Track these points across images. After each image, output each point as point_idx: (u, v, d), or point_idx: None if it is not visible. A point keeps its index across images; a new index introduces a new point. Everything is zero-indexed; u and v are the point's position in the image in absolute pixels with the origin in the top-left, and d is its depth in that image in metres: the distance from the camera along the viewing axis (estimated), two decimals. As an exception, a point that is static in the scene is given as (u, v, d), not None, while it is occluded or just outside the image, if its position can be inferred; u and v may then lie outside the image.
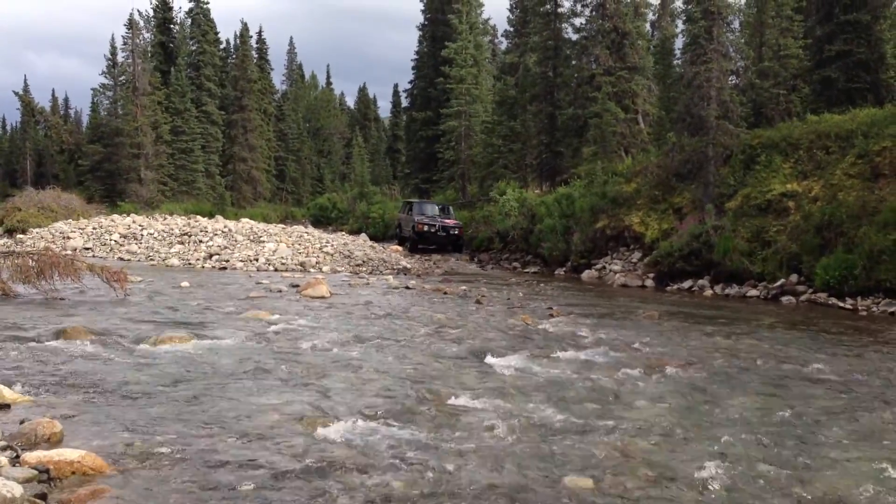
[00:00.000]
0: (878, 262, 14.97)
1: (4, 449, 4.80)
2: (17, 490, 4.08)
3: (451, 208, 31.57)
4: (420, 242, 28.73)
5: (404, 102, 59.41)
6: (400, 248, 29.25)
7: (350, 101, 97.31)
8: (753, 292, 17.12)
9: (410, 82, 51.73)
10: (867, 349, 10.37)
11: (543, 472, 5.12)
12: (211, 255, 22.13)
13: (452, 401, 6.84)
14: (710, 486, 4.95)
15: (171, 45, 58.99)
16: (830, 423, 6.51)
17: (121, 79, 52.42)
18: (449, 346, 9.62)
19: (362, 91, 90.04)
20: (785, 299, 16.24)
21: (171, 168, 52.57)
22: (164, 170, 51.87)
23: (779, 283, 16.71)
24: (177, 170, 52.92)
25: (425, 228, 28.60)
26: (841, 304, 15.08)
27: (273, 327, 10.52)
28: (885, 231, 15.22)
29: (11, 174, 72.36)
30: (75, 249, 22.40)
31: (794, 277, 16.61)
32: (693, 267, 18.71)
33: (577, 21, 32.28)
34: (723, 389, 7.66)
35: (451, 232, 28.77)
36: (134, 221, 27.65)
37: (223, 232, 24.99)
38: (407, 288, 17.06)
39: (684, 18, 26.30)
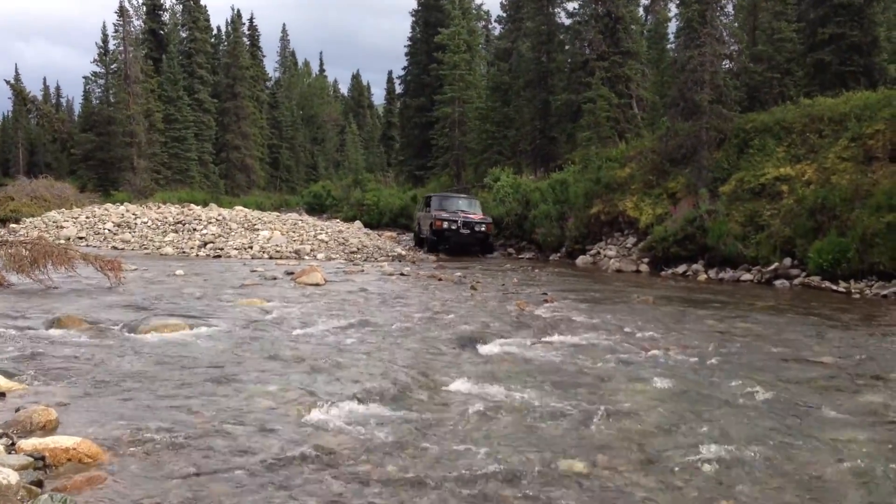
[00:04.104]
0: (872, 245, 15.02)
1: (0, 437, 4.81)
2: (13, 477, 4.09)
3: (477, 201, 26.79)
4: (439, 243, 24.43)
5: (398, 89, 59.26)
6: (393, 235, 29.16)
7: (344, 89, 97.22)
8: (747, 276, 17.18)
9: (404, 69, 51.61)
10: (860, 331, 10.43)
11: (537, 455, 5.14)
12: (205, 244, 22.11)
13: (446, 386, 6.86)
14: (703, 468, 4.99)
15: (162, 32, 58.69)
16: (824, 405, 6.55)
17: (112, 67, 52.22)
18: (443, 331, 9.63)
19: (356, 78, 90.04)
20: (779, 283, 16.30)
21: (165, 156, 52.49)
22: (158, 158, 51.77)
23: (772, 267, 16.77)
24: (170, 158, 52.84)
25: (445, 226, 23.93)
26: (834, 288, 15.14)
27: (268, 314, 10.52)
28: (879, 214, 15.26)
29: (3, 163, 72.12)
30: (68, 238, 22.37)
31: (787, 261, 16.68)
32: (687, 251, 18.77)
33: (571, 6, 32.46)
34: (717, 372, 7.70)
35: (477, 230, 24.06)
36: (127, 210, 27.58)
37: (217, 220, 24.95)
38: (402, 275, 17.07)
39: (678, 2, 26.33)
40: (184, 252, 21.34)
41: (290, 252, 21.29)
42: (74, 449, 4.69)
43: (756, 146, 19.42)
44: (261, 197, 54.02)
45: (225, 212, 27.05)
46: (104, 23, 57.89)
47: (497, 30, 48.48)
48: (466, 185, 35.68)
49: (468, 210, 25.13)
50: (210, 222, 24.64)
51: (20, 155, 69.13)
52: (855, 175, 16.68)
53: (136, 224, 25.11)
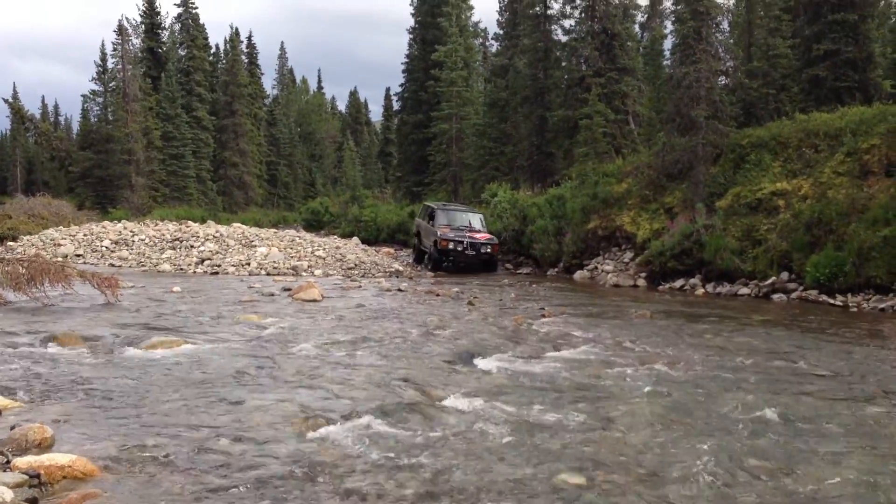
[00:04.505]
0: (868, 259, 15.06)
1: (-5, 454, 4.79)
2: (8, 495, 4.07)
3: (480, 216, 25.63)
4: (443, 261, 23.37)
5: (395, 106, 59.41)
6: (391, 251, 29.11)
7: (341, 106, 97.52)
8: (745, 290, 17.18)
9: (401, 85, 51.75)
10: (857, 345, 10.42)
11: (536, 469, 5.13)
12: (203, 260, 22.09)
13: (445, 401, 6.85)
14: (701, 482, 4.97)
15: (161, 50, 58.89)
16: (821, 418, 6.54)
17: (111, 85, 52.25)
18: (441, 347, 9.62)
19: (353, 95, 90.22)
20: (776, 297, 16.31)
21: (163, 174, 52.46)
22: (156, 176, 51.75)
23: (770, 281, 16.78)
24: (168, 176, 52.81)
25: (450, 246, 23.02)
26: (831, 301, 15.15)
27: (265, 331, 10.50)
28: (875, 228, 15.31)
29: (2, 182, 72.16)
30: (66, 256, 22.34)
31: (784, 275, 16.69)
32: (684, 266, 18.77)
33: (567, 23, 32.45)
34: (714, 386, 7.69)
35: (483, 251, 23.28)
36: (125, 227, 27.58)
37: (215, 237, 24.96)
38: (399, 290, 17.06)
39: (673, 19, 26.45)
40: (181, 269, 21.31)
41: (287, 268, 21.28)
42: (70, 466, 4.67)
43: (752, 161, 19.48)
44: (258, 214, 53.93)
45: (222, 228, 27.06)
46: (103, 41, 58.37)
47: (494, 47, 48.76)
48: (464, 200, 35.64)
49: (474, 227, 24.33)
50: (207, 239, 24.65)
51: (18, 173, 69.23)
52: (851, 189, 16.73)
53: (133, 241, 25.10)
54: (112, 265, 21.97)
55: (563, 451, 5.55)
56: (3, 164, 75.85)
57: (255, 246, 23.83)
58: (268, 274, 20.48)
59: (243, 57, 65.82)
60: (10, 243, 26.02)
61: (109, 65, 52.80)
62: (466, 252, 23.11)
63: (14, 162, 70.68)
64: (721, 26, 23.63)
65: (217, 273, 20.58)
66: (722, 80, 22.89)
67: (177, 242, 24.54)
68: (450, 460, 5.26)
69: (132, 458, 5.06)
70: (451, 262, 23.28)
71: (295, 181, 71.76)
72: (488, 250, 23.36)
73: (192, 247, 23.88)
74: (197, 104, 56.82)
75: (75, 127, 73.41)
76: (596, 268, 21.61)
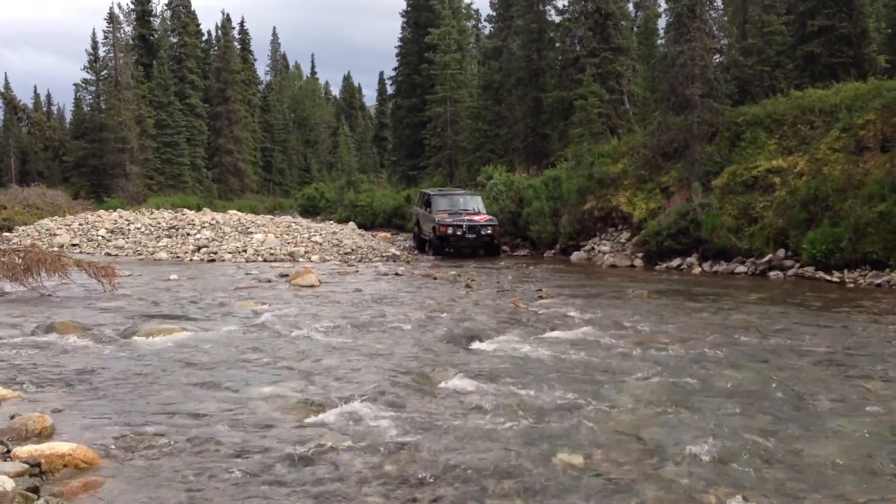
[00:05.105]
0: (864, 235, 15.06)
1: (-5, 444, 4.80)
2: (9, 484, 4.08)
3: (479, 197, 25.21)
4: (444, 247, 22.92)
5: (389, 90, 59.15)
6: (387, 236, 29.09)
7: (335, 91, 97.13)
8: (741, 268, 17.21)
9: (395, 69, 51.46)
10: (854, 321, 10.45)
11: (535, 450, 5.15)
12: (199, 248, 22.06)
13: (444, 383, 6.87)
14: (700, 459, 5.00)
15: (152, 37, 58.55)
16: (819, 395, 6.57)
17: (103, 73, 51.97)
18: (439, 330, 9.63)
19: (347, 80, 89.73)
20: (773, 274, 16.33)
21: (157, 162, 52.29)
22: (150, 164, 51.58)
23: (766, 259, 16.80)
24: (163, 164, 52.63)
25: (449, 231, 22.55)
26: (828, 278, 15.18)
27: (263, 317, 10.50)
28: (871, 204, 15.29)
29: (-5, 172, 71.77)
30: (62, 246, 22.29)
31: (781, 252, 16.71)
32: (681, 245, 18.77)
33: (560, 3, 32.28)
34: (712, 364, 7.71)
35: (483, 232, 22.82)
36: (121, 216, 27.53)
37: (211, 224, 24.92)
38: (396, 274, 17.06)
39: (667, -3, 26.26)
40: (178, 257, 21.29)
41: (284, 255, 21.26)
42: (70, 455, 4.69)
43: (748, 139, 19.44)
44: (254, 200, 53.83)
45: (218, 216, 27.01)
46: (94, 29, 57.96)
47: (487, 29, 48.47)
48: (460, 183, 35.53)
49: (472, 210, 23.81)
50: (204, 227, 24.61)
51: (12, 163, 68.84)
52: (847, 165, 16.70)
53: (129, 230, 25.06)
54: (108, 254, 21.93)
55: (562, 431, 5.58)
56: (-4, 154, 75.46)
57: (252, 233, 23.81)
58: (265, 260, 20.46)
59: (235, 43, 65.41)
60: (6, 234, 25.95)
61: (101, 53, 52.51)
62: (467, 236, 22.66)
63: (8, 152, 70.29)
64: (715, 3, 23.54)
65: (214, 260, 20.57)
66: (716, 57, 22.78)
67: (173, 230, 24.50)
68: (449, 442, 5.28)
69: (133, 446, 5.08)
70: (453, 246, 22.93)
71: (290, 167, 71.59)
72: (489, 232, 22.92)
73: (188, 234, 23.84)
74: (190, 91, 56.54)
75: (68, 116, 73.06)
76: (593, 248, 21.61)
